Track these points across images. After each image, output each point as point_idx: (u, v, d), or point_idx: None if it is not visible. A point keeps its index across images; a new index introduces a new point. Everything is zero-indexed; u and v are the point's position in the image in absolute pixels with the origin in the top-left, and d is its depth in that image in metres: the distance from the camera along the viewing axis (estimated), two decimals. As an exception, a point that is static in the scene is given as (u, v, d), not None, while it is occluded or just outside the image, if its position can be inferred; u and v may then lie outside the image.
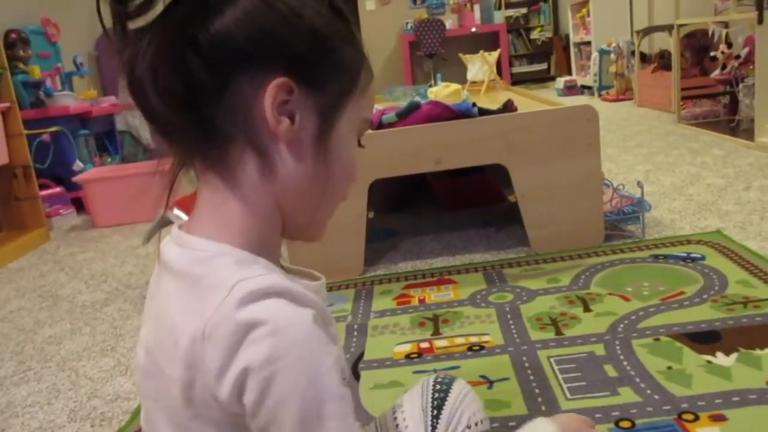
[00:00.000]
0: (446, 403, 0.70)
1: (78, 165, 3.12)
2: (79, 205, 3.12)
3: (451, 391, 0.71)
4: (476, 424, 0.70)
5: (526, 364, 1.19)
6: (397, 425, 0.69)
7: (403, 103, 1.85)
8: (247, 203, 0.55)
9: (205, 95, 0.52)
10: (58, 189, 3.06)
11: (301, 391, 0.48)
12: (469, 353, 1.26)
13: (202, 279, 0.52)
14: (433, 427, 0.69)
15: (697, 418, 0.96)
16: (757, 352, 1.13)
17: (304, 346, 0.49)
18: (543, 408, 1.04)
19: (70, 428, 1.19)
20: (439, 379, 0.72)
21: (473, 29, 6.39)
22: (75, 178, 2.96)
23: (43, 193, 2.87)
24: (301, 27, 0.54)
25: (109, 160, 3.57)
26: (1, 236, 2.66)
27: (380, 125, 1.75)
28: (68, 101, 3.20)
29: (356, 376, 1.24)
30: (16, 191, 2.70)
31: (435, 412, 0.69)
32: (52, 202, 2.99)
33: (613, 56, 5.05)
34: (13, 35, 3.22)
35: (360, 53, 0.58)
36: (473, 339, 1.32)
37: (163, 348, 0.54)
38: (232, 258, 0.53)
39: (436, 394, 0.70)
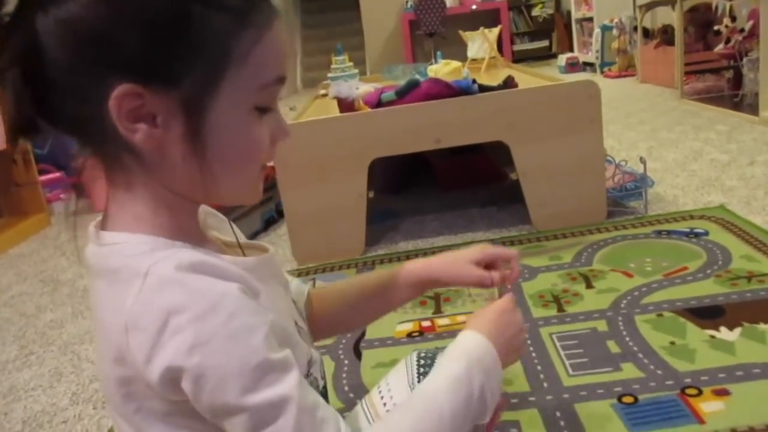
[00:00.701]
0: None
1: (77, 155, 3.11)
2: (80, 191, 3.11)
3: (435, 364, 0.68)
4: None
5: (529, 342, 1.18)
6: (384, 404, 0.67)
7: (402, 82, 1.83)
8: (147, 197, 0.54)
9: (57, 103, 0.50)
10: (58, 174, 3.05)
11: (236, 369, 0.48)
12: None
13: (120, 272, 0.51)
14: None
15: (700, 392, 0.96)
16: (762, 326, 1.12)
17: (230, 324, 0.48)
18: (545, 385, 1.04)
19: (73, 411, 1.19)
20: (423, 354, 0.70)
21: (473, 7, 6.32)
22: (75, 163, 2.94)
23: (43, 178, 2.86)
24: (132, 22, 0.48)
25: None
26: (2, 222, 2.65)
27: (379, 104, 1.73)
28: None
29: (357, 355, 1.23)
30: (16, 177, 2.69)
31: (418, 379, 0.67)
32: (52, 187, 2.98)
33: (615, 32, 4.99)
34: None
35: (232, 17, 0.50)
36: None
37: (101, 348, 0.54)
38: (146, 246, 0.52)
39: (422, 369, 0.68)
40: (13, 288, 1.97)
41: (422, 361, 0.68)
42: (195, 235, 0.58)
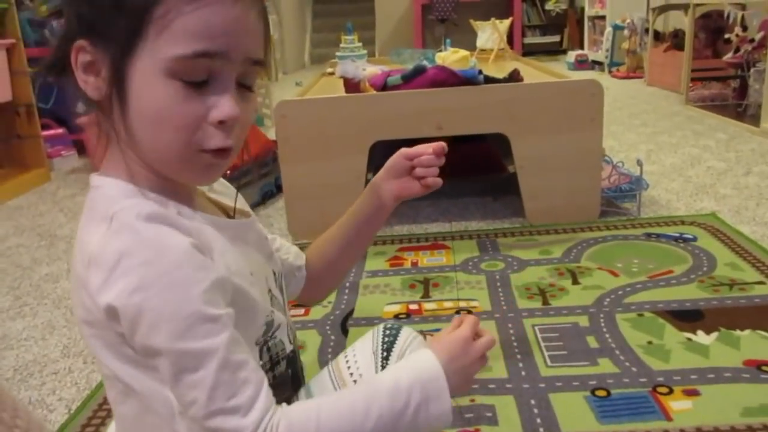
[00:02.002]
0: (395, 345, 0.71)
1: (82, 107, 3.11)
2: (81, 148, 3.13)
3: (399, 335, 0.72)
4: None
5: (511, 331, 1.22)
6: (348, 367, 0.71)
7: (409, 66, 1.84)
8: (121, 147, 0.59)
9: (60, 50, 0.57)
10: (60, 130, 3.06)
11: (169, 314, 0.52)
12: (456, 317, 1.29)
13: (93, 211, 0.58)
14: (383, 368, 0.70)
15: (671, 391, 0.99)
16: (737, 332, 1.15)
17: (173, 273, 0.53)
18: (523, 373, 1.07)
19: (63, 363, 1.22)
20: (389, 325, 0.73)
21: (487, -5, 6.29)
22: (78, 120, 2.95)
23: (45, 133, 2.87)
24: None
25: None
26: (2, 173, 2.66)
27: (384, 87, 1.75)
28: (74, 42, 3.17)
29: (344, 331, 1.27)
30: (18, 129, 2.70)
31: (385, 353, 0.70)
32: (53, 142, 2.99)
33: (626, 32, 4.98)
34: (20, -29, 3.16)
35: None
36: (461, 304, 1.35)
37: (72, 276, 0.60)
38: (117, 189, 0.58)
39: (386, 338, 0.71)
40: (10, 239, 1.99)
41: (387, 332, 0.71)
42: (172, 189, 0.60)
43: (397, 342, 0.71)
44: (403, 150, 0.82)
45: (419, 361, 0.63)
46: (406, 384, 0.60)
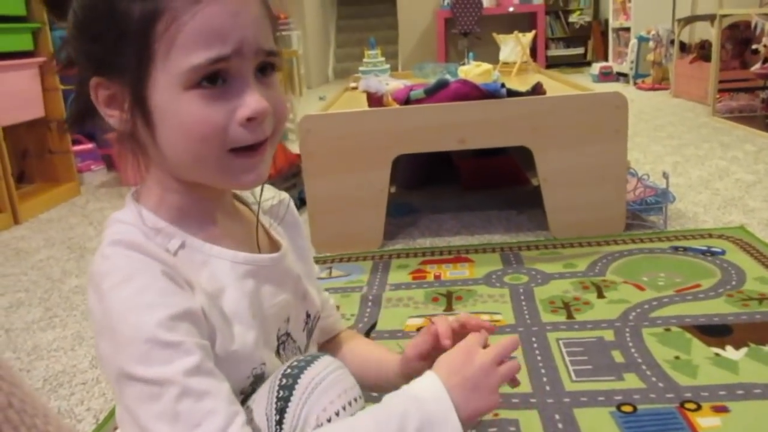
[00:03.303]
0: (290, 403, 0.57)
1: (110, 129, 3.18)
2: (110, 163, 3.19)
3: (296, 386, 0.58)
4: (329, 420, 0.57)
5: (535, 345, 1.21)
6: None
7: (432, 80, 1.85)
8: (153, 175, 0.61)
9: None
10: (90, 145, 3.13)
11: (129, 338, 0.52)
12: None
13: (104, 231, 0.60)
14: None
15: (699, 407, 0.97)
16: (767, 348, 1.13)
17: (136, 299, 0.53)
18: (547, 388, 1.06)
19: (91, 374, 1.25)
20: (288, 371, 0.59)
21: (511, 9, 6.30)
22: (107, 136, 3.01)
23: (76, 148, 2.94)
24: (78, 24, 0.55)
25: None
26: (34, 187, 2.73)
27: (407, 101, 1.76)
28: (104, 59, 3.24)
29: (367, 344, 1.27)
30: (50, 144, 2.77)
31: (278, 417, 0.57)
32: (83, 157, 3.06)
33: (651, 44, 4.94)
34: (53, -9, 3.26)
35: (148, 3, 0.52)
36: (485, 317, 1.34)
37: None
38: (131, 215, 0.59)
39: (281, 393, 0.58)
40: (41, 252, 2.04)
41: (284, 381, 0.59)
42: (197, 219, 0.61)
43: (293, 396, 0.58)
44: (432, 330, 0.70)
45: (415, 382, 0.59)
46: (399, 409, 0.54)
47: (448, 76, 1.88)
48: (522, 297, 1.42)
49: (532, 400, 1.03)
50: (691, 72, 4.21)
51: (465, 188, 2.33)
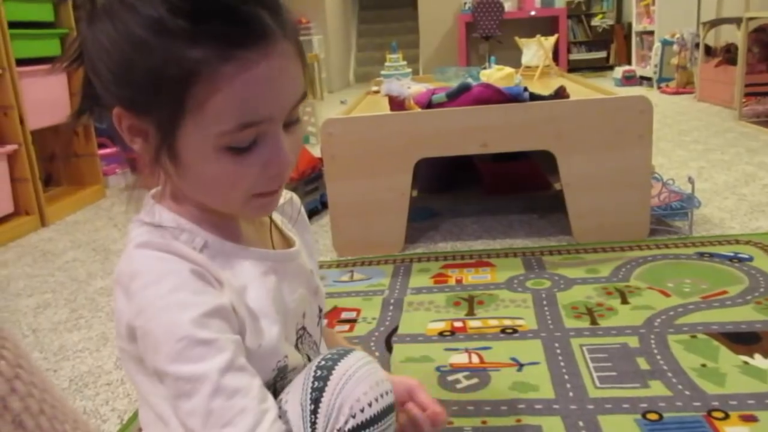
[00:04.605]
0: (325, 392, 0.59)
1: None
2: (134, 166, 3.23)
3: (331, 377, 0.60)
4: (362, 410, 0.58)
5: (558, 351, 1.20)
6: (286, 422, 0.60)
7: (454, 84, 1.85)
8: (167, 184, 0.63)
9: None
10: (115, 148, 3.17)
11: (164, 337, 0.53)
12: (502, 335, 1.28)
13: (129, 233, 0.62)
14: (313, 424, 0.59)
15: (727, 416, 0.96)
16: (797, 357, 1.11)
17: (168, 297, 0.54)
18: (570, 394, 1.05)
19: (117, 375, 1.26)
20: (322, 362, 0.61)
21: (532, 12, 6.27)
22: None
23: (101, 151, 2.98)
24: (108, 59, 0.55)
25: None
26: (61, 190, 2.78)
27: (429, 105, 1.76)
28: (129, 64, 3.29)
29: (389, 348, 1.27)
30: (76, 148, 2.82)
31: (312, 406, 0.59)
32: (109, 161, 3.10)
33: (675, 48, 4.89)
34: (80, -3, 3.32)
35: (190, 67, 0.52)
36: (507, 322, 1.33)
37: None
38: (153, 216, 0.61)
39: (316, 383, 0.60)
40: (67, 254, 2.07)
41: (318, 372, 0.61)
42: (216, 220, 0.63)
43: (327, 387, 0.59)
44: (414, 392, 0.71)
45: None
46: None
47: (470, 80, 1.87)
48: (544, 302, 1.41)
49: (555, 407, 1.02)
50: (716, 76, 4.16)
51: (487, 192, 2.32)
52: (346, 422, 0.58)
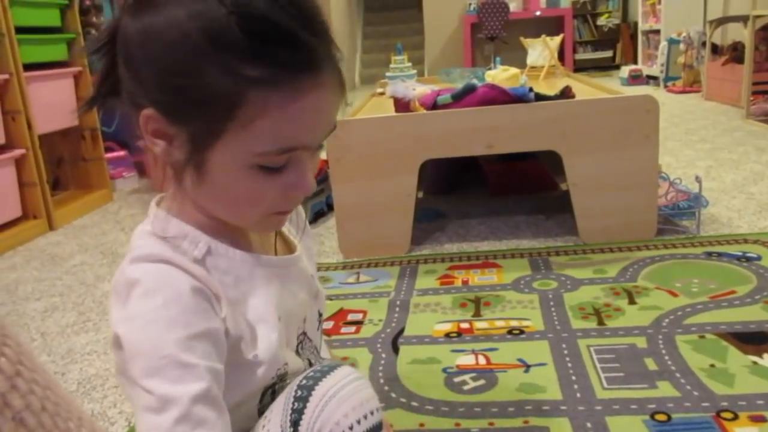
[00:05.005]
0: (304, 415, 0.57)
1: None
2: (141, 170, 3.25)
3: (311, 397, 0.57)
4: None
5: (565, 351, 1.19)
6: None
7: (459, 85, 1.85)
8: (179, 190, 0.61)
9: (122, 95, 0.58)
10: (122, 152, 3.19)
11: (146, 350, 0.53)
12: (509, 336, 1.27)
13: (132, 241, 0.61)
14: None
15: (736, 417, 0.95)
16: (807, 357, 1.10)
17: (160, 311, 0.53)
18: (578, 395, 1.05)
19: (124, 377, 1.26)
20: (303, 381, 0.59)
21: (537, 12, 6.26)
22: (138, 143, 3.07)
23: (108, 155, 3.00)
24: (154, 60, 0.53)
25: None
26: (69, 194, 2.79)
27: (434, 106, 1.76)
28: (135, 68, 3.31)
29: (395, 350, 1.27)
30: (83, 152, 2.83)
31: (292, 429, 0.57)
32: (116, 164, 3.12)
33: (682, 46, 4.87)
34: (87, 2, 3.34)
35: (246, 86, 0.51)
36: (513, 323, 1.33)
37: None
38: (158, 223, 0.60)
39: (295, 404, 0.58)
40: (75, 257, 2.08)
41: (298, 393, 0.59)
42: (221, 225, 0.62)
43: (306, 409, 0.57)
44: None
45: None
46: None
47: (475, 81, 1.87)
48: (551, 303, 1.41)
49: (563, 408, 1.02)
50: (723, 74, 4.14)
51: (493, 193, 2.31)
52: None
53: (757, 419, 0.94)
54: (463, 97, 1.73)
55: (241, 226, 0.64)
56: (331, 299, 1.52)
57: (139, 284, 0.54)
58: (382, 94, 2.50)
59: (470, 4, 6.43)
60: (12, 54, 2.27)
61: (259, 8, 0.50)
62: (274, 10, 0.51)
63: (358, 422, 0.57)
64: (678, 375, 1.08)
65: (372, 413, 0.58)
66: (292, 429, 0.57)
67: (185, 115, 0.54)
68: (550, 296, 1.44)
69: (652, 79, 5.53)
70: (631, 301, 1.38)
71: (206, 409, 0.52)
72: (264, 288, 0.62)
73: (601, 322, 1.30)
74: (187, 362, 0.52)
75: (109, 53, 0.58)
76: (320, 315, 0.74)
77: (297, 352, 0.68)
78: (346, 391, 0.58)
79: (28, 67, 2.37)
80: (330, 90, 0.55)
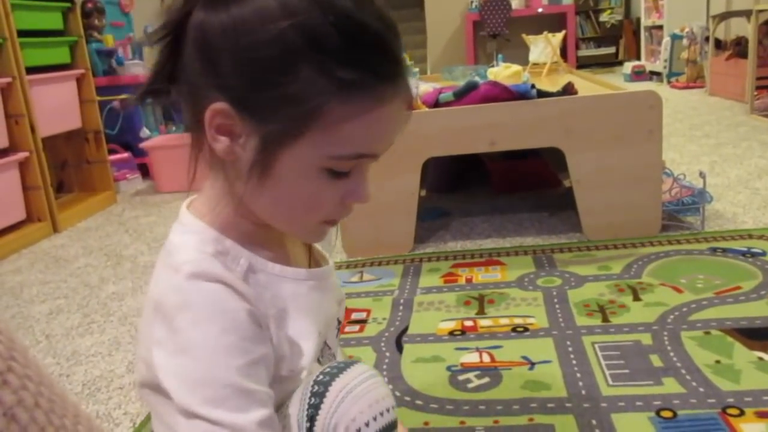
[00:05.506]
0: (320, 410, 0.58)
1: (145, 132, 3.25)
2: (145, 171, 3.25)
3: (328, 393, 0.58)
4: (358, 430, 0.57)
5: (570, 349, 1.19)
6: None
7: (461, 83, 1.84)
8: (223, 192, 0.59)
9: (180, 87, 0.56)
10: (125, 154, 3.20)
11: (208, 379, 0.51)
12: (513, 334, 1.27)
13: (170, 254, 0.57)
14: None
15: (742, 413, 0.94)
16: (814, 352, 1.09)
17: (220, 339, 0.52)
18: (583, 392, 1.04)
19: (128, 378, 1.27)
20: (320, 377, 0.59)
21: (540, 10, 6.24)
22: (141, 145, 3.08)
23: (112, 157, 3.00)
24: (243, 57, 0.51)
25: (174, 128, 3.69)
26: (73, 197, 2.80)
27: (437, 104, 1.75)
28: (138, 70, 3.32)
29: (399, 348, 1.26)
30: (87, 155, 2.84)
31: (308, 424, 0.58)
32: (119, 166, 3.13)
33: (685, 42, 4.85)
34: (89, 5, 3.35)
35: (336, 88, 0.51)
36: (518, 320, 1.32)
37: (145, 305, 0.61)
38: (197, 236, 0.57)
39: (312, 400, 0.58)
40: (79, 260, 2.09)
41: (315, 388, 0.59)
42: (259, 238, 0.61)
43: (323, 404, 0.58)
44: None
45: None
46: None
47: (477, 78, 1.87)
48: (555, 300, 1.40)
49: (568, 405, 1.01)
50: (727, 69, 4.12)
51: (496, 191, 2.31)
52: None
53: (763, 415, 0.93)
54: (465, 94, 1.73)
55: (280, 238, 0.64)
56: (334, 299, 1.52)
57: (191, 308, 0.52)
58: (384, 93, 2.49)
59: (472, 2, 6.41)
60: (15, 57, 2.28)
61: (354, 12, 0.51)
62: (366, 15, 0.51)
63: (374, 419, 0.57)
64: (683, 371, 1.07)
65: (388, 411, 0.59)
66: (308, 423, 0.58)
67: (267, 112, 0.52)
68: (555, 293, 1.44)
69: (655, 75, 5.51)
70: (636, 298, 1.37)
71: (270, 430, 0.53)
72: (303, 303, 0.61)
73: (605, 319, 1.29)
74: (249, 389, 0.52)
75: (170, 45, 0.56)
76: (339, 322, 0.74)
77: (318, 361, 0.68)
78: (360, 388, 0.58)
79: (30, 70, 2.38)
80: (404, 102, 0.56)
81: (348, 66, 0.51)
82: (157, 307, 0.54)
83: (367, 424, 0.57)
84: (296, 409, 0.59)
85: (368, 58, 0.51)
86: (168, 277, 0.55)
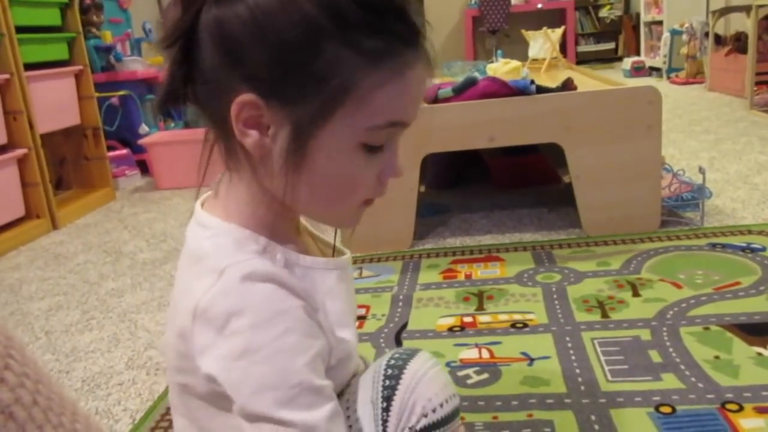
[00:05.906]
0: (397, 391, 0.61)
1: (143, 128, 3.24)
2: (144, 168, 3.25)
3: (403, 375, 0.61)
4: (434, 410, 0.61)
5: (569, 345, 1.19)
6: (348, 416, 0.61)
7: (460, 79, 1.84)
8: (249, 189, 0.58)
9: (198, 88, 0.55)
10: (124, 151, 3.19)
11: (276, 382, 0.51)
12: (512, 330, 1.27)
13: (202, 260, 0.55)
14: (384, 422, 0.60)
15: (741, 408, 0.95)
16: (813, 347, 1.09)
17: (282, 339, 0.51)
18: (582, 388, 1.04)
19: (128, 375, 1.27)
20: (392, 362, 0.63)
21: (539, 5, 6.23)
22: (140, 141, 3.08)
23: (111, 154, 3.00)
24: (268, 43, 0.50)
25: (173, 124, 3.68)
26: (71, 193, 2.80)
27: (436, 99, 1.75)
28: (137, 66, 3.31)
29: (399, 344, 1.26)
30: (85, 151, 2.84)
31: (385, 404, 0.60)
32: (118, 163, 3.12)
33: (685, 37, 4.84)
34: (87, 1, 3.34)
35: (363, 58, 0.51)
36: (517, 316, 1.32)
37: (170, 318, 0.59)
38: (231, 238, 0.56)
39: (387, 382, 0.61)
40: (79, 256, 2.09)
41: (389, 371, 0.62)
42: (284, 233, 0.60)
43: (399, 385, 0.61)
44: None
45: None
46: None
47: (476, 74, 1.86)
48: (555, 296, 1.40)
49: (567, 401, 1.01)
50: (726, 65, 4.11)
51: (495, 187, 2.31)
52: (418, 421, 0.60)
53: (762, 410, 0.94)
54: (464, 90, 1.72)
55: (295, 228, 0.63)
56: (334, 295, 1.52)
57: (248, 311, 0.51)
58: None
59: (471, -2, 6.40)
60: (13, 54, 2.27)
61: None
62: None
63: (447, 401, 0.63)
64: (683, 367, 1.07)
65: (454, 396, 0.65)
66: (384, 404, 0.61)
67: (297, 96, 0.52)
68: (554, 289, 1.44)
69: (655, 70, 5.50)
70: (635, 294, 1.37)
71: (338, 423, 0.54)
72: (336, 292, 0.61)
73: (605, 315, 1.29)
74: (317, 386, 0.52)
75: (182, 48, 0.54)
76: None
77: None
78: (432, 373, 0.64)
79: (29, 66, 2.37)
80: (427, 64, 0.56)
81: (373, 36, 0.51)
82: (199, 315, 0.52)
83: (441, 405, 0.62)
84: (368, 392, 0.62)
85: (391, 26, 0.52)
86: (209, 283, 0.52)
